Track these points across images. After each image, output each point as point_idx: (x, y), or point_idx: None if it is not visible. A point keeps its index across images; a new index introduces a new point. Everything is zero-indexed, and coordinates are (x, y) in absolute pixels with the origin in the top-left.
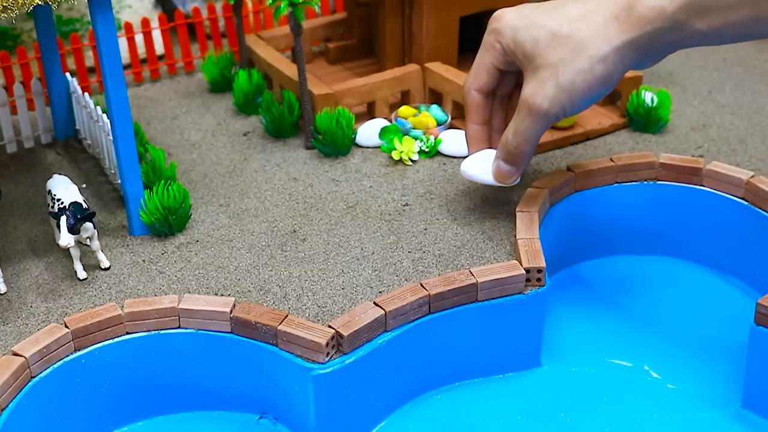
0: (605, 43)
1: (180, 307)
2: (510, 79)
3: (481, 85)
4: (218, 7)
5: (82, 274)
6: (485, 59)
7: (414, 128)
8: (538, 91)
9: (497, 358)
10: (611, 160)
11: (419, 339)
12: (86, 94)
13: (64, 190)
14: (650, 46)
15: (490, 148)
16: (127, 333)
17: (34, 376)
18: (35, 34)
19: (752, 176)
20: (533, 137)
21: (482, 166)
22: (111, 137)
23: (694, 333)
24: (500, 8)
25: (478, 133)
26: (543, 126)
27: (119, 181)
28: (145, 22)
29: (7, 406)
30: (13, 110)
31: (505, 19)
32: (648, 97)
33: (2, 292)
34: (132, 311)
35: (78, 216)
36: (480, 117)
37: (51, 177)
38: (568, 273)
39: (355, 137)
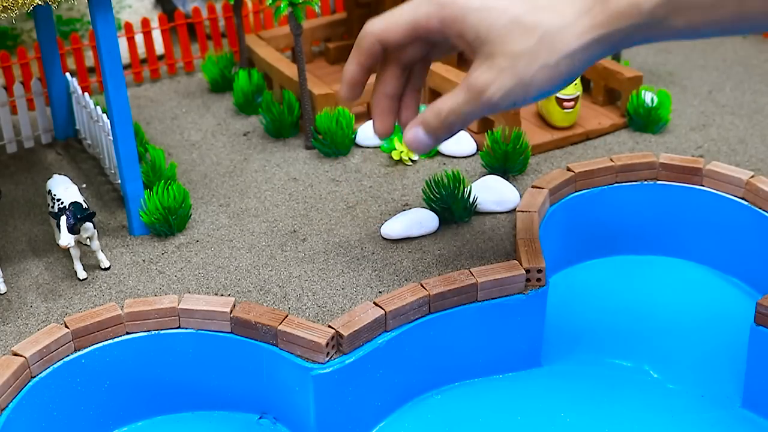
0: (575, 39)
1: (180, 307)
2: (423, 47)
3: (387, 38)
4: (218, 7)
5: (82, 274)
6: (409, 19)
7: None
8: (493, 81)
9: (497, 358)
10: (611, 160)
11: (419, 339)
12: (86, 94)
13: (64, 190)
14: (621, 42)
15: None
16: (127, 333)
17: (34, 376)
18: (35, 34)
19: (752, 176)
20: (470, 121)
21: (404, 225)
22: (111, 137)
23: (694, 333)
24: None
25: (357, 76)
26: (484, 113)
27: (119, 181)
28: (145, 22)
29: (7, 406)
30: (13, 110)
31: None
32: (648, 97)
33: (2, 292)
34: (132, 311)
35: (78, 216)
36: (369, 62)
37: (51, 177)
38: (568, 273)
39: (355, 137)
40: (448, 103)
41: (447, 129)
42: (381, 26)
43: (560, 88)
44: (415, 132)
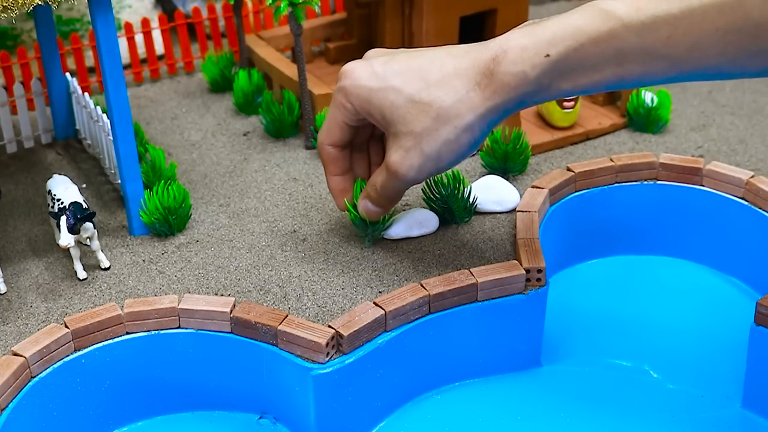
0: (470, 112)
1: (180, 307)
2: (365, 128)
3: (334, 141)
4: (218, 7)
5: (82, 274)
6: (336, 116)
7: None
8: (403, 161)
9: (497, 358)
10: (611, 160)
11: (419, 339)
12: (86, 94)
13: (64, 190)
14: (514, 106)
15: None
16: (127, 333)
17: (34, 376)
18: (35, 34)
19: (752, 176)
20: (400, 194)
21: (404, 225)
22: (111, 137)
23: (694, 333)
24: (500, 8)
25: (340, 184)
26: (410, 185)
27: (119, 181)
28: (145, 22)
29: (7, 406)
30: (13, 110)
31: (355, 77)
32: (648, 97)
33: (2, 292)
34: (132, 311)
35: (78, 216)
36: (339, 169)
37: (51, 177)
38: (568, 273)
39: None
40: (378, 179)
41: (388, 199)
42: (324, 134)
43: (470, 153)
44: (364, 204)
